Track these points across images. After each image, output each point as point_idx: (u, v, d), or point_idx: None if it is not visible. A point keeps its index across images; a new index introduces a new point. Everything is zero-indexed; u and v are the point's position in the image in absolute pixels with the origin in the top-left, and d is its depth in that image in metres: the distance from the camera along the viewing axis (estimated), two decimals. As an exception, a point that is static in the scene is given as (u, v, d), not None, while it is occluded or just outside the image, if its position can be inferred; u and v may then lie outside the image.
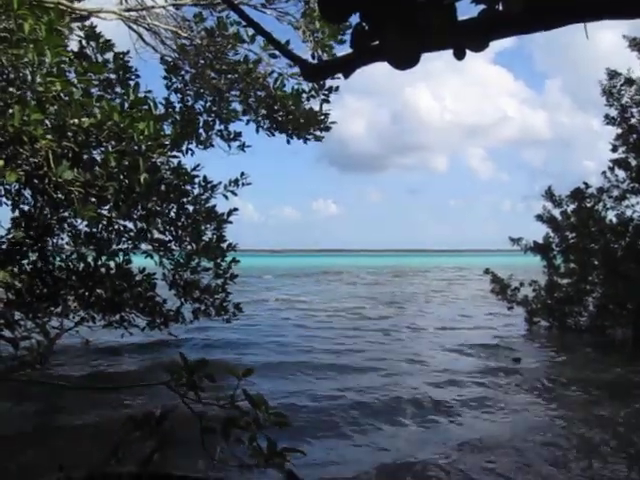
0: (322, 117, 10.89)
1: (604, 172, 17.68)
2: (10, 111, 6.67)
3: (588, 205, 17.58)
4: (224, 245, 10.91)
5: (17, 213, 10.02)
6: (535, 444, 7.63)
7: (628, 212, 17.40)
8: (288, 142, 11.39)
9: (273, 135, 11.54)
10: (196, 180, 10.42)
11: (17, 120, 6.50)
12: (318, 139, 11.31)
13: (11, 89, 7.32)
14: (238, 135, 11.68)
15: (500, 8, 1.74)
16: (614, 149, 17.58)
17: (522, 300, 18.06)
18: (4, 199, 9.80)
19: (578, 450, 7.40)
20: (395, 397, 9.97)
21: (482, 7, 1.75)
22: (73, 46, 8.84)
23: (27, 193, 10.06)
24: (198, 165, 10.42)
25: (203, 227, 10.57)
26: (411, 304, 26.21)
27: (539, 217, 18.28)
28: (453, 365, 12.79)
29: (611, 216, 17.54)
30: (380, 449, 7.48)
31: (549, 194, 18.21)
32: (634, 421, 8.63)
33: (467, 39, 1.81)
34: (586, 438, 7.90)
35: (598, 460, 7.03)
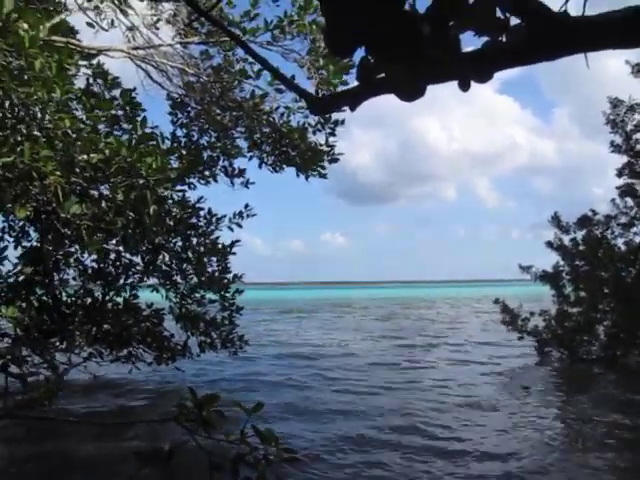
0: (328, 149, 10.98)
1: (613, 199, 17.67)
2: (20, 148, 6.76)
3: (597, 232, 17.52)
4: (229, 276, 10.94)
5: (22, 249, 10.10)
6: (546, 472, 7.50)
7: (637, 239, 17.33)
8: (297, 175, 11.48)
9: (276, 171, 11.65)
10: (201, 213, 10.51)
11: (27, 156, 6.59)
12: (322, 176, 11.38)
13: (21, 126, 7.43)
14: (242, 172, 11.79)
15: (504, 39, 1.76)
16: (620, 176, 17.60)
17: (532, 330, 17.88)
18: (7, 236, 9.90)
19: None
20: (407, 425, 9.93)
21: (486, 39, 1.77)
22: (80, 83, 8.98)
23: (32, 229, 10.16)
24: (202, 198, 10.52)
25: (207, 259, 10.62)
26: (421, 336, 25.86)
27: (549, 244, 18.18)
28: (465, 395, 12.65)
29: (620, 243, 17.46)
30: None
31: (556, 220, 18.16)
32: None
33: (472, 71, 1.83)
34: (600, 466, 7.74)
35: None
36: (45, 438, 8.62)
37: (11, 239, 9.95)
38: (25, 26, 6.29)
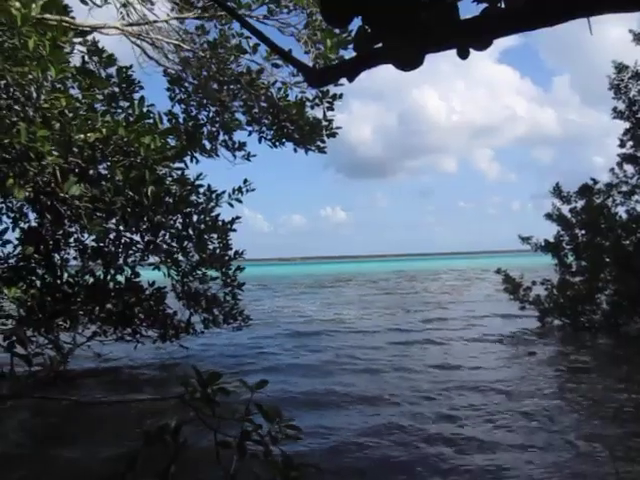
0: (327, 124, 10.90)
1: (612, 168, 17.61)
2: (16, 128, 6.72)
3: (597, 201, 17.47)
4: (230, 253, 10.99)
5: (19, 230, 10.14)
6: (556, 437, 7.58)
7: (638, 207, 17.29)
8: (295, 150, 11.43)
9: (275, 146, 11.58)
10: (200, 190, 10.50)
11: (24, 137, 6.54)
12: (322, 151, 11.32)
13: (17, 107, 7.37)
14: (243, 145, 11.75)
15: (502, 5, 1.73)
16: (622, 144, 17.50)
17: (534, 299, 17.93)
18: (5, 217, 9.90)
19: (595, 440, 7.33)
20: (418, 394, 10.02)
21: (484, 5, 1.73)
22: (76, 61, 8.89)
23: (30, 210, 10.17)
24: (201, 174, 10.49)
25: (207, 237, 10.65)
26: (429, 310, 25.80)
27: (548, 216, 18.14)
28: (466, 361, 12.78)
29: (621, 212, 17.42)
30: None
31: (557, 191, 18.10)
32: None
33: (470, 38, 1.80)
34: (607, 433, 7.80)
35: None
36: (51, 417, 8.72)
37: (9, 220, 9.97)
38: (17, 4, 6.21)
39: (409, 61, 1.75)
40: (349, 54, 9.80)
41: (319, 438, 7.84)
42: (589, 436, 7.67)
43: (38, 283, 10.32)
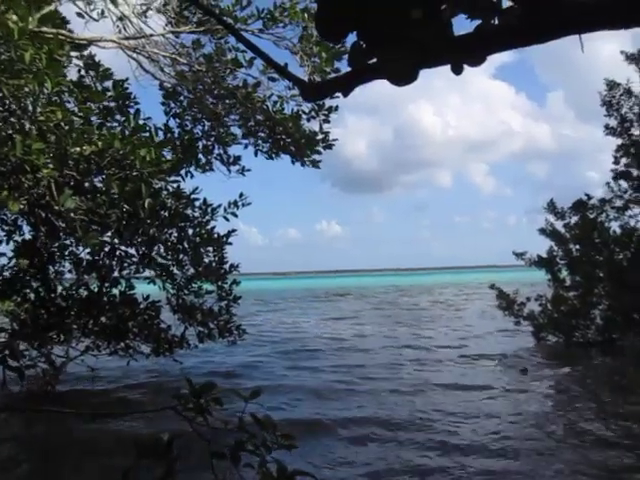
0: (322, 136, 10.97)
1: (608, 183, 17.68)
2: (12, 141, 6.73)
3: (591, 216, 17.51)
4: (225, 267, 10.97)
5: (14, 242, 10.12)
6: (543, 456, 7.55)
7: (632, 222, 17.35)
8: (293, 162, 11.49)
9: (272, 158, 11.63)
10: (196, 203, 10.50)
11: (19, 150, 6.55)
12: (316, 165, 11.40)
13: (12, 119, 7.39)
14: (237, 159, 11.79)
15: (496, 22, 1.75)
16: (616, 161, 17.60)
17: (529, 315, 17.91)
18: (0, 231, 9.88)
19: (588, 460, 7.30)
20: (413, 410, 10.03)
21: (478, 22, 1.75)
22: (72, 75, 8.92)
23: (25, 222, 10.15)
24: (197, 188, 10.50)
25: (203, 250, 10.64)
26: (419, 324, 25.88)
27: (542, 231, 18.18)
28: (462, 379, 12.71)
29: (615, 227, 17.47)
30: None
31: (551, 207, 18.15)
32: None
33: (464, 54, 1.82)
34: (599, 450, 7.78)
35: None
36: (43, 430, 8.63)
37: (3, 233, 9.94)
38: (14, 17, 6.24)
39: (403, 76, 1.77)
40: (345, 67, 9.86)
41: (322, 468, 7.49)
42: (593, 465, 7.44)
43: (32, 296, 10.28)
